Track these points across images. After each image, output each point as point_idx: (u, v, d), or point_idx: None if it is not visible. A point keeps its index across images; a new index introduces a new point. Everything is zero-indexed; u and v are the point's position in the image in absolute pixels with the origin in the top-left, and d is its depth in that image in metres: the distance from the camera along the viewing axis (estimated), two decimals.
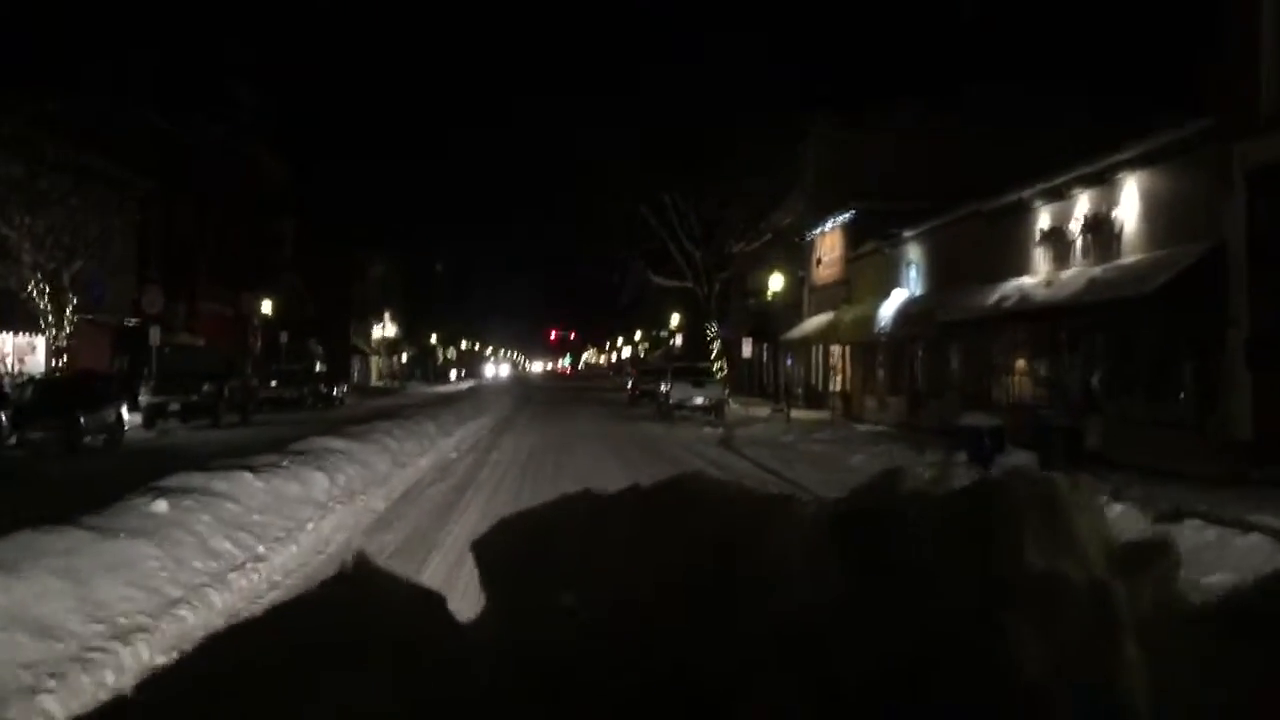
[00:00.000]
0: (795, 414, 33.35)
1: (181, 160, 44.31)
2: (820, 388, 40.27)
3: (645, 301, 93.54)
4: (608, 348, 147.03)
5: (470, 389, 46.84)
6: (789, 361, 46.53)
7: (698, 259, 41.93)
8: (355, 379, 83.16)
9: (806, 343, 40.30)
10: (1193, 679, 1.58)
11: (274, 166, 56.10)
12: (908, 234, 29.30)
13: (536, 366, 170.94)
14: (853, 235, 35.40)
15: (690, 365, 37.08)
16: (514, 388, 59.27)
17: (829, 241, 38.70)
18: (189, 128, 45.19)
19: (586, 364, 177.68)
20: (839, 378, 39.66)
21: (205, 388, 29.66)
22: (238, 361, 39.38)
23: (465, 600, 1.94)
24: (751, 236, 41.09)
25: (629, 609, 1.69)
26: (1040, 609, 1.59)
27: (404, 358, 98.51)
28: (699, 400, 33.91)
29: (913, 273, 29.18)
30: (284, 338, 50.74)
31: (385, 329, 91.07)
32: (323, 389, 43.87)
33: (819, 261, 39.83)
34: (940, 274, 27.03)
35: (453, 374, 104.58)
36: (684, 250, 42.08)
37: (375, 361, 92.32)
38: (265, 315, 48.23)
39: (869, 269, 33.12)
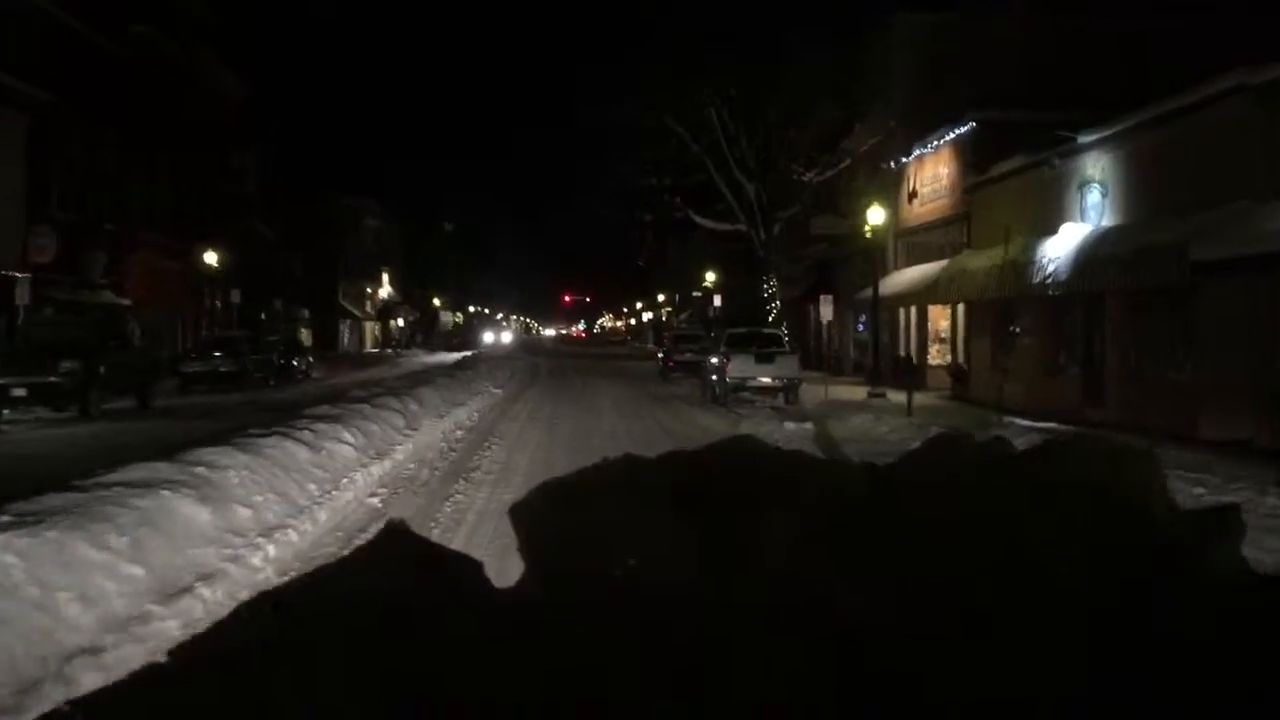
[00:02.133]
0: (900, 398, 24.15)
1: (97, 70, 35.04)
2: (914, 360, 30.96)
3: (670, 257, 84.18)
4: (625, 312, 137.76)
5: (462, 360, 37.66)
6: (861, 327, 37.21)
7: (750, 193, 32.51)
8: (344, 345, 74.22)
9: (895, 302, 30.98)
10: (1252, 643, 1.58)
11: (228, 84, 46.69)
12: (1086, 139, 19.92)
13: (549, 331, 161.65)
14: (972, 156, 26.05)
15: (753, 331, 27.79)
16: (520, 356, 50.05)
17: (930, 167, 29.30)
18: (106, 29, 35.86)
19: (602, 328, 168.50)
20: (941, 348, 30.40)
21: (65, 365, 20.60)
22: (157, 329, 30.50)
23: None
24: (824, 164, 31.56)
25: (669, 573, 1.66)
26: (1102, 574, 1.67)
27: (401, 322, 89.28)
28: (766, 380, 24.67)
29: (1094, 197, 19.82)
30: (235, 297, 41.50)
31: (382, 290, 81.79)
32: (278, 360, 34.70)
33: (913, 196, 30.45)
34: (1160, 195, 17.65)
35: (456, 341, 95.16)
36: (733, 181, 32.65)
37: (370, 326, 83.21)
38: (211, 267, 38.92)
39: (1007, 198, 23.74)
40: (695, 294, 55.11)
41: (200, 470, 8.07)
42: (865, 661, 1.56)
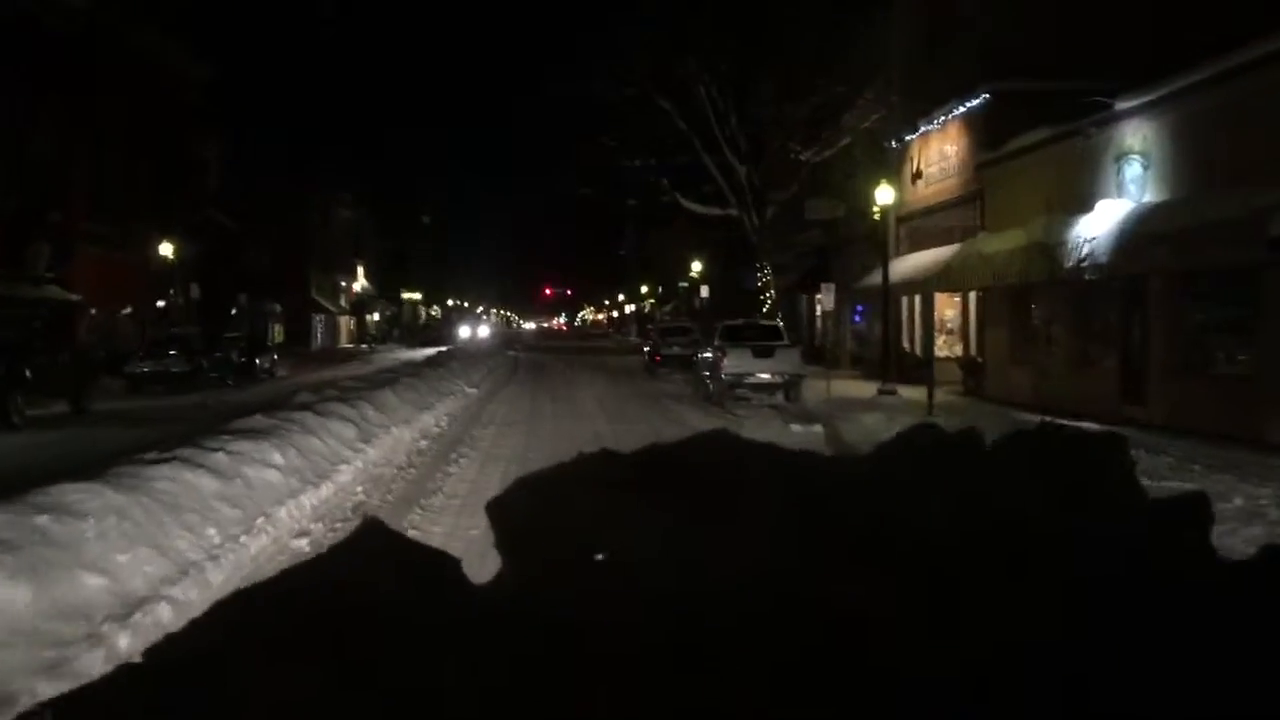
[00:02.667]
0: (911, 394, 22.11)
1: (35, 45, 32.60)
2: (918, 352, 28.92)
3: (651, 247, 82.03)
4: (606, 304, 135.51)
5: (436, 356, 35.36)
6: (857, 318, 35.16)
7: (742, 175, 30.34)
8: (318, 341, 71.77)
9: (898, 290, 28.94)
10: (1222, 632, 1.60)
11: (191, 67, 44.15)
12: (1125, 105, 17.85)
13: (529, 325, 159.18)
14: (986, 130, 23.93)
15: (750, 322, 25.63)
16: (498, 351, 47.79)
17: (936, 145, 27.19)
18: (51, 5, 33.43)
19: (583, 321, 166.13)
20: (948, 339, 28.38)
21: None
22: (78, 325, 28.27)
23: None
24: (823, 142, 29.35)
25: (646, 565, 1.70)
26: (1070, 562, 1.70)
27: (376, 317, 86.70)
28: (765, 376, 22.54)
29: (1134, 170, 17.74)
30: (195, 291, 39.10)
31: (356, 284, 79.10)
32: (237, 359, 32.37)
33: (917, 176, 28.33)
34: (1216, 165, 15.57)
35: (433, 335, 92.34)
36: (723, 162, 30.47)
37: (344, 321, 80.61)
38: (168, 260, 36.39)
39: (1028, 175, 21.66)
40: (681, 284, 52.70)
41: (42, 521, 5.85)
42: (837, 635, 1.60)
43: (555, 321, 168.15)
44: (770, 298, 30.93)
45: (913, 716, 1.51)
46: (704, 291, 49.37)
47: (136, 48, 39.08)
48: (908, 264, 28.68)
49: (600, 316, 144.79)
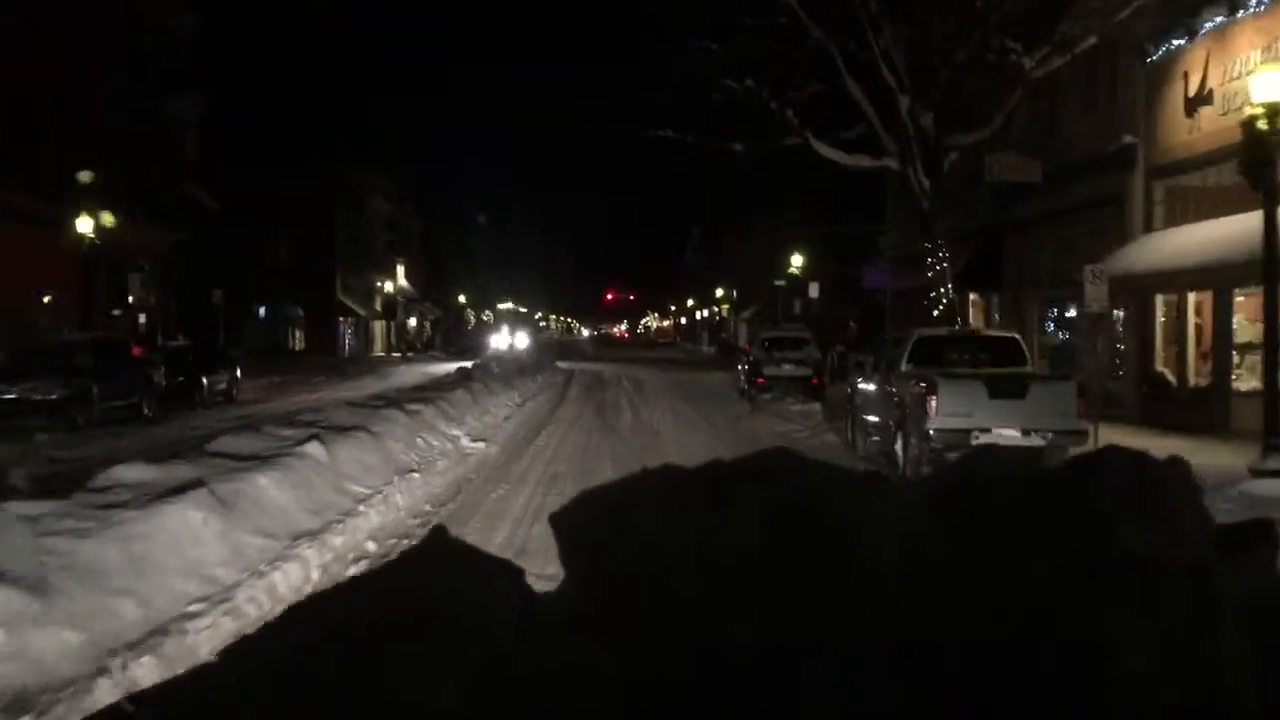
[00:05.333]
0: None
1: None
2: (1191, 382, 18.29)
3: (726, 251, 71.92)
4: (673, 310, 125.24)
5: (456, 374, 25.43)
6: (1050, 326, 24.46)
7: (904, 110, 19.81)
8: (346, 349, 62.40)
9: (1154, 284, 18.45)
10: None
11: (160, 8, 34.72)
12: None
13: (588, 332, 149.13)
14: None
15: (961, 333, 15.38)
16: (545, 366, 37.80)
17: (1242, 47, 16.61)
18: None
19: (646, 328, 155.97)
20: (1247, 363, 17.78)
21: None
22: None
23: None
24: (1056, 46, 18.48)
25: (706, 579, 1.69)
26: (1137, 593, 1.62)
27: (414, 321, 77.10)
28: (1014, 433, 11.95)
29: None
30: (135, 284, 29.33)
31: (388, 284, 69.35)
32: (162, 380, 22.45)
33: (1199, 101, 17.69)
34: None
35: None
36: (880, 88, 19.98)
37: (380, 326, 71.13)
38: (86, 238, 26.40)
39: None
40: (777, 283, 42.05)
41: None
42: (911, 665, 1.57)
43: (617, 328, 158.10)
44: (947, 295, 20.29)
45: None
46: (813, 291, 38.63)
47: None
48: (1173, 243, 18.25)
49: (666, 323, 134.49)
